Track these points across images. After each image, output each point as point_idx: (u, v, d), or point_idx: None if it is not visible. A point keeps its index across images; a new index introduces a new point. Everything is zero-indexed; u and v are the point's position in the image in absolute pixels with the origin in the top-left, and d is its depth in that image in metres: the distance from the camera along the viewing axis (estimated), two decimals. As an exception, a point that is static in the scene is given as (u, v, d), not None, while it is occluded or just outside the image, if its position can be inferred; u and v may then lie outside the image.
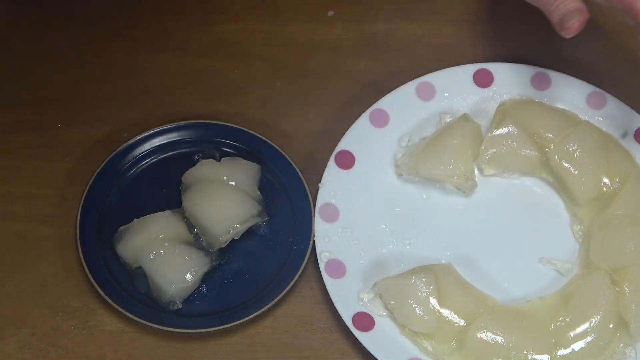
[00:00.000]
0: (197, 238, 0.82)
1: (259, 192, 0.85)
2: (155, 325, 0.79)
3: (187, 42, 0.95)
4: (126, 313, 0.79)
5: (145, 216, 0.83)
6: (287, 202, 0.85)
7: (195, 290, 0.81)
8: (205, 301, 0.81)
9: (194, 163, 0.86)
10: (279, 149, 0.86)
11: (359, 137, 0.86)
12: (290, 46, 0.95)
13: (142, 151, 0.87)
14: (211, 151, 0.87)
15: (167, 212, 0.83)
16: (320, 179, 0.84)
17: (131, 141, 0.87)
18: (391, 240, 0.83)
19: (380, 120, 0.86)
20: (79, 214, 0.83)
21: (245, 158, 0.86)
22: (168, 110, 0.91)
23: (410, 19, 0.97)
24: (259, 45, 0.95)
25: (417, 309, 0.78)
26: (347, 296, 0.80)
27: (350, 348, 0.80)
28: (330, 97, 0.92)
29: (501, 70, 0.89)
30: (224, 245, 0.82)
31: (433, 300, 0.78)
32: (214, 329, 0.79)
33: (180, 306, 0.80)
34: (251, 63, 0.94)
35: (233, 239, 0.82)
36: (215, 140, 0.88)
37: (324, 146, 0.89)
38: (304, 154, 0.88)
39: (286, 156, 0.86)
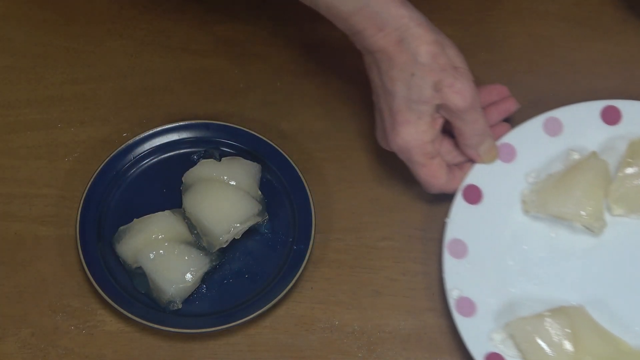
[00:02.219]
0: (197, 238, 0.82)
1: (259, 192, 0.85)
2: (155, 325, 0.79)
3: (187, 42, 0.95)
4: (126, 313, 0.79)
5: (145, 216, 0.83)
6: (287, 202, 0.85)
7: (195, 290, 0.81)
8: (205, 301, 0.81)
9: (194, 163, 0.86)
10: (279, 149, 0.86)
11: (486, 171, 0.84)
12: (290, 46, 0.95)
13: (142, 151, 0.87)
14: (211, 151, 0.87)
15: (167, 212, 0.83)
16: (322, 181, 0.84)
17: (131, 141, 0.87)
18: (519, 279, 0.81)
19: (508, 155, 0.84)
20: (79, 213, 0.83)
21: (245, 158, 0.86)
22: (168, 110, 0.91)
23: (410, 19, 0.97)
24: (259, 45, 0.95)
25: (550, 352, 0.76)
26: (478, 335, 0.78)
27: (350, 348, 0.81)
28: (330, 97, 0.92)
29: (630, 108, 0.86)
30: (224, 245, 0.82)
31: (568, 344, 0.76)
32: (214, 329, 0.79)
33: (180, 306, 0.80)
34: (251, 63, 0.94)
35: (234, 238, 0.82)
36: (215, 140, 0.88)
37: (324, 146, 0.89)
38: (304, 154, 0.88)
39: (286, 156, 0.86)
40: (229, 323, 0.79)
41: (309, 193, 0.84)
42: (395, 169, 0.88)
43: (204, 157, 0.86)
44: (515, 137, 0.85)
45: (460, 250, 0.81)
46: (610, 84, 0.92)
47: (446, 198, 0.87)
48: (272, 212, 0.84)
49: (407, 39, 0.77)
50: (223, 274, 0.83)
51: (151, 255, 0.80)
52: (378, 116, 0.82)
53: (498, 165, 0.84)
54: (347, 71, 0.94)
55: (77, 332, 0.81)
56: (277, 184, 0.86)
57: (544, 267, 0.82)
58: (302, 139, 0.89)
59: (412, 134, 0.79)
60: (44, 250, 0.84)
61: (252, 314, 0.79)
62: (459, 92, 0.78)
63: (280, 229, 0.84)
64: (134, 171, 0.87)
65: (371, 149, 0.89)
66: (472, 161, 0.84)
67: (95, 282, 0.80)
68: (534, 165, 0.85)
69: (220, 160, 0.85)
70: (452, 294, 0.79)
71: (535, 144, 0.85)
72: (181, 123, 0.88)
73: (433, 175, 0.81)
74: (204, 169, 0.85)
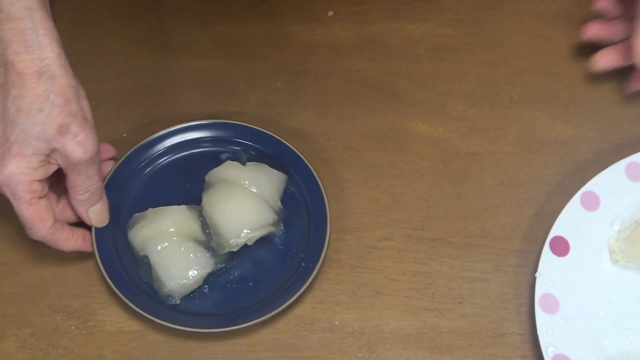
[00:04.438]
0: (208, 238, 0.82)
1: (279, 203, 0.84)
2: (150, 317, 0.79)
3: (187, 42, 0.95)
4: (125, 299, 0.79)
5: (160, 207, 0.83)
6: (306, 218, 0.84)
7: (197, 289, 0.81)
8: (205, 301, 0.81)
9: (220, 162, 0.85)
10: (307, 163, 0.85)
11: (571, 221, 0.82)
12: (290, 46, 0.95)
13: (172, 143, 0.87)
14: (240, 153, 0.86)
15: (182, 207, 0.83)
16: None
17: (164, 131, 0.87)
18: (612, 331, 0.80)
19: (591, 203, 0.83)
20: None
21: (272, 165, 0.85)
22: (168, 110, 0.91)
23: (410, 19, 0.97)
24: (259, 45, 0.95)
25: None
26: None
27: (350, 348, 0.81)
28: (330, 97, 0.92)
29: None
30: (234, 250, 0.81)
31: None
32: (208, 330, 0.79)
33: (178, 302, 0.80)
34: (251, 63, 0.94)
35: (245, 244, 0.81)
36: (244, 143, 0.87)
37: (324, 146, 0.89)
38: (303, 154, 0.88)
39: (314, 172, 0.85)
40: (225, 327, 0.79)
41: (327, 213, 0.83)
42: (395, 169, 0.88)
43: (231, 159, 0.86)
44: (598, 184, 0.83)
45: (552, 305, 0.79)
46: (611, 84, 0.92)
47: (447, 198, 0.87)
48: (289, 223, 0.84)
49: (48, 73, 0.74)
50: (227, 278, 0.82)
51: (158, 246, 0.80)
52: None
53: (583, 214, 0.82)
54: (347, 71, 0.94)
55: (77, 332, 0.81)
56: (300, 197, 0.85)
57: (637, 319, 0.80)
58: (302, 139, 0.89)
59: (22, 168, 0.75)
60: (44, 250, 0.84)
61: (249, 322, 0.79)
62: (81, 143, 0.75)
63: (294, 242, 0.83)
64: (162, 162, 0.87)
65: (371, 149, 0.89)
66: (83, 226, 0.82)
67: (101, 263, 0.81)
68: (618, 212, 0.83)
69: (245, 164, 0.85)
70: (548, 352, 0.78)
71: (618, 190, 0.84)
72: (213, 121, 0.88)
73: (39, 216, 0.77)
74: (228, 171, 0.84)
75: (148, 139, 0.87)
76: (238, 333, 0.81)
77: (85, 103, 0.77)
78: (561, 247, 0.81)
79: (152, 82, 0.93)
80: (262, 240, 0.83)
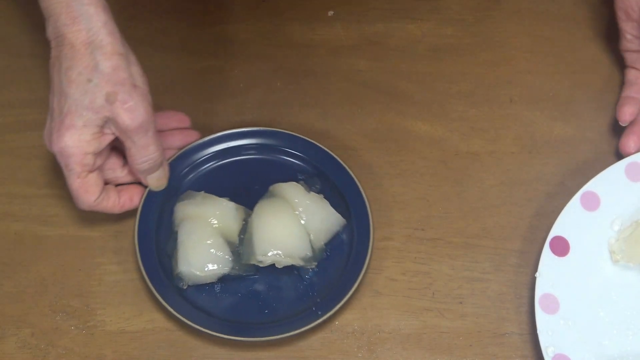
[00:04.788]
0: (240, 242, 0.81)
1: (323, 244, 0.82)
2: (157, 295, 0.79)
3: (187, 42, 0.95)
4: (142, 269, 0.80)
5: (213, 195, 0.83)
6: (340, 271, 0.82)
7: (209, 284, 0.81)
8: (212, 299, 0.81)
9: (292, 179, 0.85)
10: (369, 213, 0.83)
11: (571, 221, 0.82)
12: (290, 46, 0.95)
13: (257, 142, 0.87)
14: (315, 179, 0.85)
15: (232, 204, 0.83)
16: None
17: (252, 129, 0.87)
18: (612, 331, 0.80)
19: (591, 203, 0.83)
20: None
21: (335, 197, 0.84)
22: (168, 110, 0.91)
23: (410, 19, 0.97)
24: (259, 45, 0.95)
25: None
26: None
27: (350, 348, 0.81)
28: (330, 97, 0.92)
29: None
30: (260, 265, 0.80)
31: None
32: (209, 331, 0.78)
33: (185, 287, 0.80)
34: (251, 63, 0.94)
35: (274, 265, 0.80)
36: (321, 170, 0.86)
37: (323, 146, 0.89)
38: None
39: (371, 224, 0.82)
40: (222, 333, 0.78)
41: (360, 278, 0.80)
42: (395, 169, 0.88)
43: (306, 181, 0.85)
44: (598, 184, 0.83)
45: (552, 305, 0.79)
46: (610, 84, 0.92)
47: (447, 198, 0.87)
48: (324, 266, 0.82)
49: (95, 43, 0.75)
50: (241, 287, 0.82)
51: (190, 228, 0.81)
52: (49, 116, 0.79)
53: (583, 214, 0.82)
54: (347, 71, 0.94)
55: (77, 332, 0.81)
56: (347, 246, 0.83)
57: (636, 319, 0.80)
58: (302, 139, 0.90)
59: (75, 141, 0.76)
60: (44, 250, 0.84)
61: (244, 336, 0.78)
62: (130, 110, 0.76)
63: (318, 285, 0.82)
64: (237, 158, 0.87)
65: (371, 148, 0.89)
66: (139, 184, 0.83)
67: (138, 221, 0.82)
68: (618, 212, 0.83)
69: (310, 192, 0.83)
70: (548, 352, 0.78)
71: (618, 190, 0.83)
72: (306, 138, 0.87)
73: (85, 189, 0.79)
74: (290, 191, 0.83)
75: (234, 130, 0.87)
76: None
77: (135, 69, 0.77)
78: (561, 247, 0.81)
79: (152, 82, 0.93)
80: (290, 269, 0.81)
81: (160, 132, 0.82)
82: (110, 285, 0.83)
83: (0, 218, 0.86)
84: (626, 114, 0.87)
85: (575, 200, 0.82)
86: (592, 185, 0.83)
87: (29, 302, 0.82)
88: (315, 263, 0.81)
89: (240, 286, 0.82)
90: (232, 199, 0.83)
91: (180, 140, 0.87)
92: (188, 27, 0.96)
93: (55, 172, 0.88)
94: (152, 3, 0.97)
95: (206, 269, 0.80)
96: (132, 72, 0.77)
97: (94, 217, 0.85)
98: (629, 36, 0.88)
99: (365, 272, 0.81)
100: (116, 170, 0.82)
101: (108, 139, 0.78)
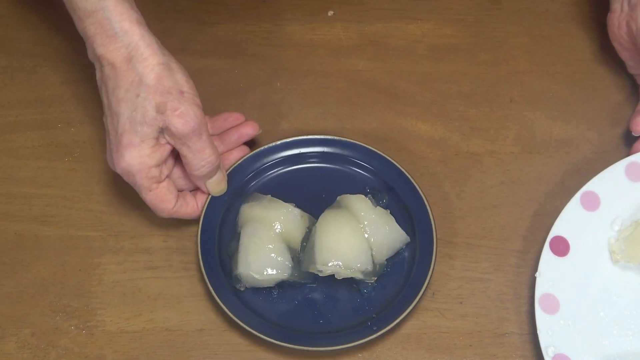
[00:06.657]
0: (302, 250, 0.81)
1: (385, 259, 0.82)
2: (211, 289, 0.79)
3: (187, 42, 0.95)
4: (202, 265, 0.80)
5: (279, 200, 0.82)
6: (399, 288, 0.81)
7: (266, 288, 0.81)
8: (268, 304, 0.81)
9: (360, 191, 0.84)
10: (434, 232, 0.82)
11: (571, 221, 0.82)
12: (290, 46, 0.95)
13: (319, 151, 0.87)
14: (382, 194, 0.85)
15: (297, 210, 0.82)
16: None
17: (324, 137, 0.87)
18: (612, 331, 0.80)
19: (591, 203, 0.83)
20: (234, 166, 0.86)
21: (402, 213, 0.84)
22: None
23: (410, 19, 0.97)
24: (259, 45, 0.95)
25: None
26: None
27: (350, 348, 0.80)
28: (330, 97, 0.92)
29: None
30: (319, 274, 0.79)
31: None
32: (256, 332, 0.78)
33: (242, 289, 0.80)
34: (251, 63, 0.94)
35: (334, 276, 0.79)
36: (389, 184, 0.86)
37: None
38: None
39: (434, 244, 0.82)
40: (268, 336, 0.78)
41: (418, 298, 0.79)
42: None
43: (373, 194, 0.84)
44: (598, 184, 0.83)
45: (552, 305, 0.79)
46: (611, 84, 0.92)
47: (446, 198, 0.87)
48: (383, 282, 0.81)
49: (135, 57, 0.76)
50: (297, 295, 0.81)
51: (253, 231, 0.80)
52: (107, 138, 0.79)
53: (583, 214, 0.82)
54: (347, 71, 0.94)
55: (77, 332, 0.81)
56: (408, 264, 0.83)
57: (636, 319, 0.81)
58: (302, 139, 0.89)
59: (136, 158, 0.77)
60: (44, 250, 0.84)
61: (289, 343, 0.78)
62: (181, 116, 0.76)
63: (376, 300, 0.81)
64: (309, 164, 0.87)
65: (371, 149, 0.89)
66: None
67: (203, 216, 0.82)
68: (618, 212, 0.83)
69: (377, 206, 0.82)
70: (548, 352, 0.78)
71: (618, 190, 0.83)
72: (380, 153, 0.86)
73: (161, 199, 0.79)
74: (356, 204, 0.82)
75: (315, 137, 0.87)
76: (238, 331, 0.81)
77: (179, 76, 0.78)
78: (561, 247, 0.81)
79: (152, 82, 0.93)
80: (349, 282, 0.81)
81: (218, 135, 0.84)
82: (110, 285, 0.83)
83: (0, 218, 0.86)
84: (639, 125, 0.87)
85: (575, 200, 0.82)
86: (592, 185, 0.83)
87: (29, 302, 0.82)
88: (375, 278, 0.80)
89: (297, 293, 0.81)
90: (298, 205, 0.83)
91: (238, 137, 0.86)
92: (188, 28, 0.96)
93: (55, 172, 0.88)
94: (152, 3, 0.97)
95: (265, 273, 0.79)
96: (177, 79, 0.77)
97: (94, 217, 0.85)
98: (630, 63, 0.89)
99: (424, 293, 0.80)
100: (182, 178, 0.82)
101: (167, 149, 0.78)
